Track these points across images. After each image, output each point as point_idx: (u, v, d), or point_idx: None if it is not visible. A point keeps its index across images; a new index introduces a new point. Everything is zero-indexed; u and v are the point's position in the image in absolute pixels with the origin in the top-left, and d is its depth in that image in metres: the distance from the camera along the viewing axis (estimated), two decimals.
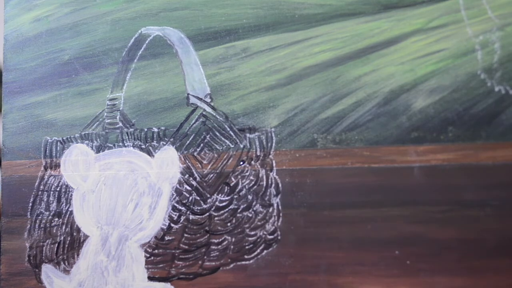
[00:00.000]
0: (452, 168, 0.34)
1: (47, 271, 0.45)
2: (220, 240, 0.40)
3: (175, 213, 0.41)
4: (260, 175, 0.39)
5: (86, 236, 0.44)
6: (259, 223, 0.39)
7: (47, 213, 0.45)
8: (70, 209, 0.45)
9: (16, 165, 0.47)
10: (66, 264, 0.44)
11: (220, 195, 0.40)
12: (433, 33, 0.35)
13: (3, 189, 0.47)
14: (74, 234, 0.44)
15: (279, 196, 0.38)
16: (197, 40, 0.42)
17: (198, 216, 0.40)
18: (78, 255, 0.44)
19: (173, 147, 0.42)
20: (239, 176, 0.40)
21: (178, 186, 0.41)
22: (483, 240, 0.33)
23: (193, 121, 0.41)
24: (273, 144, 0.39)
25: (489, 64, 0.34)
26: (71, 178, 0.45)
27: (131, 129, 0.44)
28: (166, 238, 0.41)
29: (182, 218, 0.41)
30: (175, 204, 0.41)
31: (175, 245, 0.41)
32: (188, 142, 0.41)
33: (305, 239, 0.37)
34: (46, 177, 0.46)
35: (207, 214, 0.40)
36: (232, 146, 0.40)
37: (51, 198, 0.45)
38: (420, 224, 0.34)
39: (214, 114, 0.41)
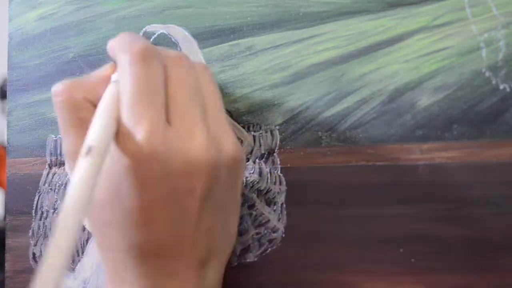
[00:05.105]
0: (456, 166, 0.34)
1: None
2: None
3: None
4: (265, 173, 0.39)
5: (91, 234, 0.44)
6: (263, 221, 0.39)
7: (52, 210, 0.45)
8: None
9: (20, 163, 0.47)
10: (71, 261, 0.44)
11: None
12: (438, 31, 0.35)
13: (8, 187, 0.47)
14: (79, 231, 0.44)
15: (283, 194, 0.38)
16: (202, 38, 0.42)
17: None
18: (82, 252, 0.44)
19: None
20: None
21: None
22: (488, 238, 0.33)
23: None
24: (278, 142, 0.39)
25: (494, 62, 0.34)
26: None
27: None
28: None
29: None
30: None
31: None
32: None
33: (309, 237, 0.37)
34: (51, 175, 0.46)
35: None
36: None
37: (55, 196, 0.45)
38: (425, 222, 0.34)
39: None
